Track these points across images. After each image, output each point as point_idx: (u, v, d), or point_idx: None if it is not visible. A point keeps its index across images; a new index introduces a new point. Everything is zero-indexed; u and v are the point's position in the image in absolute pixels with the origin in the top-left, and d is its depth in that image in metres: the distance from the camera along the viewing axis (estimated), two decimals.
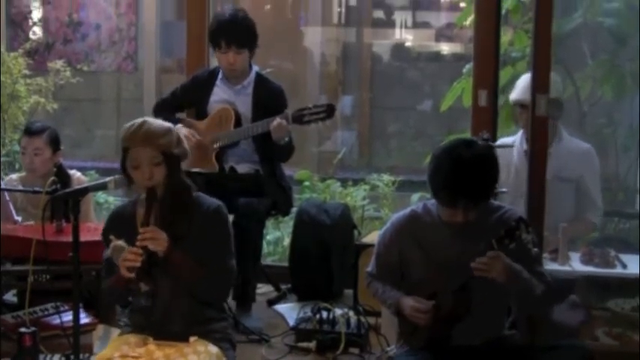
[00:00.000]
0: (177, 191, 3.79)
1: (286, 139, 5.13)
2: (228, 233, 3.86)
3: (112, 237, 3.65)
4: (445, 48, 9.53)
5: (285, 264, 5.89)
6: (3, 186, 5.21)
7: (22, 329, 4.03)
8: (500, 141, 5.12)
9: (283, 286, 5.82)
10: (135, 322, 3.86)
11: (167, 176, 3.73)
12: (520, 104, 5.45)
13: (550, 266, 4.62)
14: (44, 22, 8.90)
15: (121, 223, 3.84)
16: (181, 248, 3.69)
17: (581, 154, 5.48)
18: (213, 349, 3.68)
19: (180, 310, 3.76)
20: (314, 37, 9.52)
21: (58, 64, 7.20)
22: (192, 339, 3.67)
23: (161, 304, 3.74)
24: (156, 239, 3.61)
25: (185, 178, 3.84)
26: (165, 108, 5.49)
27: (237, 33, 5.24)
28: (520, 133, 5.56)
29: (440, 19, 9.45)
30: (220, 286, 3.82)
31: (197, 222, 3.78)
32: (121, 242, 3.62)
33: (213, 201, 3.87)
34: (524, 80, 5.52)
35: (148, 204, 3.72)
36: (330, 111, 5.01)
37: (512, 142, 5.42)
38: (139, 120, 3.74)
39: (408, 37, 9.65)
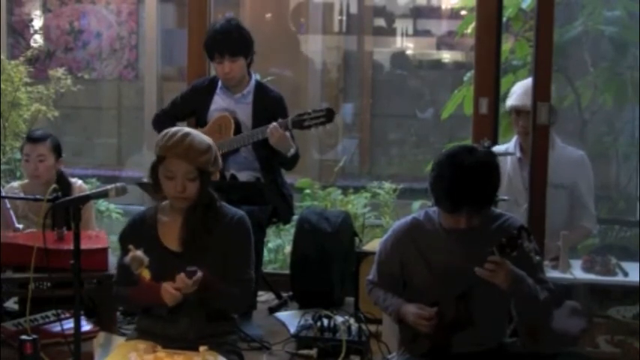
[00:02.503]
0: (206, 204, 3.80)
1: (292, 150, 5.15)
2: (250, 243, 3.87)
3: (130, 247, 3.63)
4: (446, 56, 9.53)
5: (286, 272, 5.90)
6: (4, 194, 5.21)
7: (23, 337, 4.02)
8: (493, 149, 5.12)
9: (284, 294, 5.83)
10: (144, 328, 3.86)
11: (198, 191, 3.74)
12: (516, 110, 5.46)
13: (551, 274, 4.62)
14: (45, 30, 8.92)
15: (141, 231, 3.84)
16: (206, 258, 3.71)
17: (574, 161, 5.47)
18: None
19: (196, 323, 3.77)
20: (315, 45, 9.52)
21: (59, 72, 7.19)
22: (202, 348, 3.66)
23: (180, 316, 3.74)
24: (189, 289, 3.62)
25: (211, 190, 3.84)
26: (165, 119, 5.49)
27: (229, 42, 5.25)
28: (513, 140, 5.55)
29: (441, 27, 9.44)
30: (240, 297, 3.84)
31: (221, 232, 3.79)
32: (139, 253, 3.61)
33: (237, 211, 3.88)
34: (520, 86, 5.53)
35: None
36: (329, 115, 5.01)
37: (505, 150, 5.41)
38: (182, 131, 3.72)
39: (409, 45, 9.64)
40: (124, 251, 3.70)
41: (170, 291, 3.60)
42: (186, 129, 3.77)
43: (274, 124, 5.05)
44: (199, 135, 3.76)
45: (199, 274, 3.58)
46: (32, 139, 5.41)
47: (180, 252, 3.77)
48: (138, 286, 3.68)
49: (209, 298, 3.70)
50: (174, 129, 3.76)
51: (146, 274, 3.62)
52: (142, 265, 3.61)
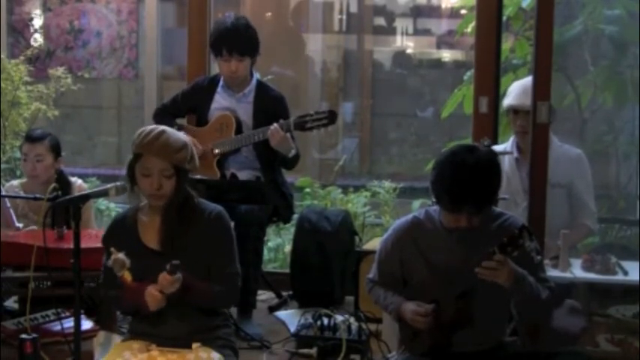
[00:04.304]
0: (183, 201, 3.79)
1: (293, 151, 5.14)
2: (231, 237, 3.87)
3: (112, 250, 3.63)
4: (446, 55, 9.52)
5: (286, 271, 5.90)
6: (4, 192, 5.20)
7: (23, 336, 4.03)
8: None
9: (284, 293, 5.84)
10: (137, 328, 3.86)
11: (175, 188, 3.74)
12: (514, 110, 5.45)
13: (551, 273, 4.62)
14: (45, 29, 8.91)
15: (122, 232, 3.84)
16: (186, 255, 3.70)
17: (571, 159, 5.46)
18: (216, 356, 3.68)
19: (187, 319, 3.76)
20: (315, 44, 9.52)
21: (59, 71, 7.19)
22: (194, 345, 3.67)
23: (169, 313, 3.74)
24: (171, 287, 3.61)
25: (189, 187, 3.84)
26: (166, 114, 5.51)
27: (239, 41, 5.25)
28: (511, 139, 5.55)
29: (441, 26, 9.44)
30: (227, 293, 3.83)
31: (200, 229, 3.79)
32: (121, 255, 3.60)
33: (215, 206, 3.88)
34: (518, 86, 5.53)
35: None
36: (331, 117, 5.02)
37: (503, 149, 5.41)
38: (158, 129, 3.72)
39: (409, 44, 9.64)
40: (108, 253, 3.70)
41: (154, 293, 3.61)
42: (162, 127, 3.77)
43: (275, 125, 5.04)
44: (175, 133, 3.77)
45: (178, 275, 3.58)
46: (31, 138, 5.41)
47: (161, 251, 3.77)
48: (124, 288, 3.69)
49: (192, 299, 3.70)
50: (149, 127, 3.76)
51: (127, 277, 3.61)
52: (123, 268, 3.60)
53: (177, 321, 3.76)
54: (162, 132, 3.70)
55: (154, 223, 3.81)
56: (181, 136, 3.79)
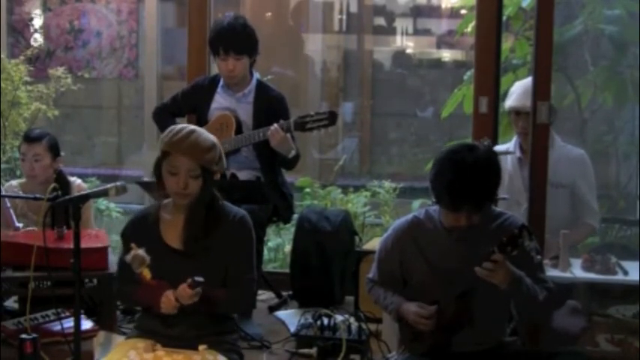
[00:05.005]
0: (208, 203, 3.79)
1: (293, 151, 5.14)
2: (252, 243, 3.86)
3: (132, 245, 3.63)
4: (446, 55, 9.51)
5: (286, 270, 5.90)
6: (3, 192, 5.20)
7: (23, 336, 4.02)
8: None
9: (284, 293, 5.83)
10: (146, 325, 3.85)
11: (201, 189, 3.73)
12: (516, 111, 5.46)
13: (551, 273, 4.62)
14: (45, 29, 8.91)
15: (143, 228, 3.84)
16: (207, 256, 3.71)
17: (574, 159, 5.47)
18: (222, 358, 3.68)
19: (197, 324, 3.76)
20: (315, 44, 9.51)
21: (59, 71, 7.20)
22: (201, 347, 3.67)
23: (180, 317, 3.73)
24: (189, 300, 3.61)
25: (214, 189, 3.83)
26: (165, 113, 5.51)
27: (235, 39, 5.25)
28: (514, 140, 5.56)
29: (441, 26, 9.43)
30: (242, 298, 3.86)
31: (223, 231, 3.78)
32: (141, 252, 3.61)
33: (239, 210, 3.87)
34: (519, 87, 5.53)
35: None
36: (332, 118, 5.02)
37: (506, 149, 5.41)
38: (187, 128, 3.72)
39: (409, 44, 9.63)
40: (126, 248, 3.70)
41: (170, 299, 3.61)
42: (192, 126, 3.77)
43: (275, 125, 5.04)
44: (205, 133, 3.76)
45: (198, 290, 3.57)
46: (29, 138, 5.40)
47: (182, 250, 3.77)
48: (140, 285, 3.69)
49: (207, 309, 3.70)
50: (179, 126, 3.76)
51: (147, 274, 3.62)
52: (143, 265, 3.60)
53: (187, 326, 3.75)
54: (192, 131, 3.70)
55: (177, 222, 3.81)
56: (210, 136, 3.76)
